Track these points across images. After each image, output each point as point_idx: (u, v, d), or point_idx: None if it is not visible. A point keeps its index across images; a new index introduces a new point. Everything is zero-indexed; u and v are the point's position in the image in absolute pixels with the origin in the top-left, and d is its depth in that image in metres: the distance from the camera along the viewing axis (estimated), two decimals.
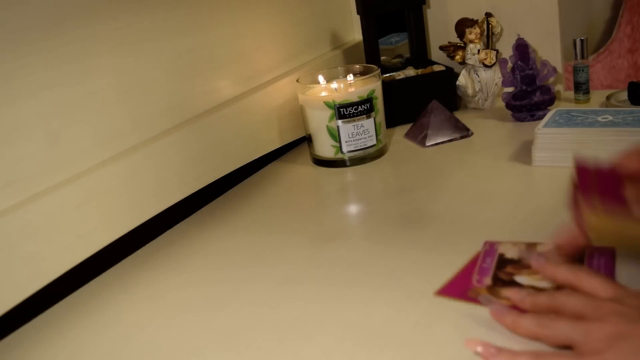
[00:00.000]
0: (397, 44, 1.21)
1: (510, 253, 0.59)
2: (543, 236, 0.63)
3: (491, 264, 0.58)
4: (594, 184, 0.51)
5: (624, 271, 0.54)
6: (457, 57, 1.05)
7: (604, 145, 0.75)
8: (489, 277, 0.55)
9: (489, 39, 1.03)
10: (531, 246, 0.60)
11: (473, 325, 0.51)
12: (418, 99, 1.01)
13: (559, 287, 0.52)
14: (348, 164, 0.90)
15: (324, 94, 0.90)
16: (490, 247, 0.61)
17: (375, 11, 1.04)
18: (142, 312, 0.61)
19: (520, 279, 0.55)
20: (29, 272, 0.59)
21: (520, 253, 0.59)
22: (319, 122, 0.89)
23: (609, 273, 0.54)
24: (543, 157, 0.79)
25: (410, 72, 1.06)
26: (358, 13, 1.08)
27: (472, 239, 0.64)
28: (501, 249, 0.60)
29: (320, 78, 0.93)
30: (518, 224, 0.66)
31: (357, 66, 0.95)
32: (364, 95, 0.87)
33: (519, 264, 0.57)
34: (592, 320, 0.43)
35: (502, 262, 0.58)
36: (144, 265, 0.70)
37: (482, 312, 0.52)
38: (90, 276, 0.69)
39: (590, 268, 0.55)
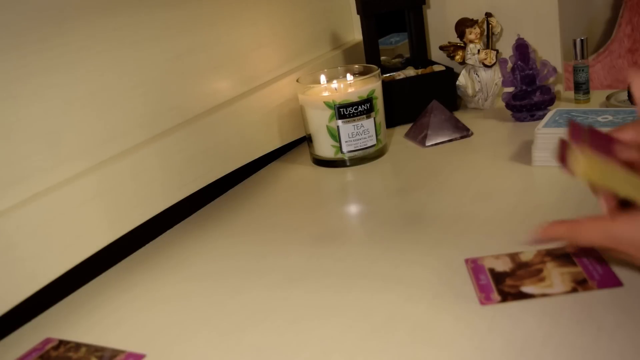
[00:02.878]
0: (397, 44, 1.22)
1: (500, 266, 0.58)
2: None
3: (487, 280, 0.57)
4: (586, 137, 0.51)
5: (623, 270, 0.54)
6: (457, 57, 1.05)
7: None
8: (495, 293, 0.54)
9: (489, 39, 1.03)
10: (514, 256, 0.60)
11: (473, 325, 0.51)
12: (418, 99, 1.01)
13: (573, 288, 0.53)
14: (348, 164, 0.90)
15: (324, 94, 0.90)
16: (474, 264, 0.60)
17: (375, 11, 1.04)
18: (142, 312, 0.61)
19: (528, 289, 0.54)
20: (29, 272, 0.59)
21: (509, 265, 0.58)
22: (319, 122, 0.89)
23: (605, 270, 0.55)
24: (543, 157, 0.79)
25: (410, 72, 1.06)
26: (358, 13, 1.08)
27: (472, 239, 0.64)
28: (487, 264, 0.59)
29: (321, 78, 0.93)
30: (518, 224, 0.66)
31: (357, 66, 0.96)
32: (364, 95, 0.87)
33: (516, 276, 0.56)
34: None
35: (497, 276, 0.57)
36: (144, 266, 0.70)
37: (482, 312, 0.52)
38: (90, 276, 0.69)
39: (585, 267, 0.56)
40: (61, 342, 0.57)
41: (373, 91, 0.88)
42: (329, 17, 1.12)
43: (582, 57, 0.97)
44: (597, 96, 1.01)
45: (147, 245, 0.75)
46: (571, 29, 1.14)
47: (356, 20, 1.15)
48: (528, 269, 0.57)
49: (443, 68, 1.05)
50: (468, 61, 1.03)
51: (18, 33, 0.60)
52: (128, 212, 0.70)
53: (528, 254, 0.59)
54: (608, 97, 0.98)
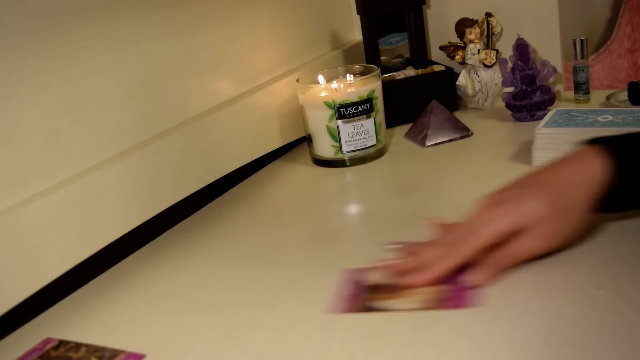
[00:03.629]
0: (397, 44, 1.22)
1: (374, 278, 0.60)
2: None
3: (354, 290, 0.59)
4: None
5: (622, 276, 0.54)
6: (457, 57, 1.05)
7: None
8: (348, 304, 0.57)
9: (489, 39, 1.03)
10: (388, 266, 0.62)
11: (472, 326, 0.51)
12: (418, 99, 1.01)
13: (425, 307, 0.55)
14: (348, 164, 0.90)
15: (324, 94, 0.90)
16: (355, 273, 0.62)
17: (375, 11, 1.04)
18: (141, 312, 0.61)
19: (381, 304, 0.56)
20: (29, 272, 0.59)
21: (383, 277, 0.60)
22: (319, 122, 0.89)
23: (465, 292, 0.56)
24: (543, 157, 0.79)
25: (410, 72, 1.06)
26: (358, 13, 1.08)
27: None
28: (364, 276, 0.61)
29: (320, 78, 0.93)
30: None
31: (357, 66, 0.95)
32: (364, 95, 0.87)
33: (383, 289, 0.58)
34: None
35: (367, 288, 0.59)
36: (143, 266, 0.70)
37: (481, 313, 0.52)
38: (91, 276, 0.69)
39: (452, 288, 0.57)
40: (61, 342, 0.57)
41: (373, 91, 0.88)
42: (329, 17, 1.12)
43: (582, 57, 0.97)
44: (597, 96, 1.01)
45: (147, 245, 0.75)
46: (571, 29, 1.14)
47: (356, 20, 1.15)
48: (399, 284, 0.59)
49: (443, 68, 1.05)
50: (468, 61, 1.03)
51: (18, 33, 0.60)
52: (128, 212, 0.70)
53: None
54: (608, 97, 0.98)
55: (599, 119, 0.79)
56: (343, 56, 1.11)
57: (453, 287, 0.56)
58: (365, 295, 0.58)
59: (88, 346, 0.56)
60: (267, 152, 0.92)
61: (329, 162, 0.91)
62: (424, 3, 1.07)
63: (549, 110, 0.94)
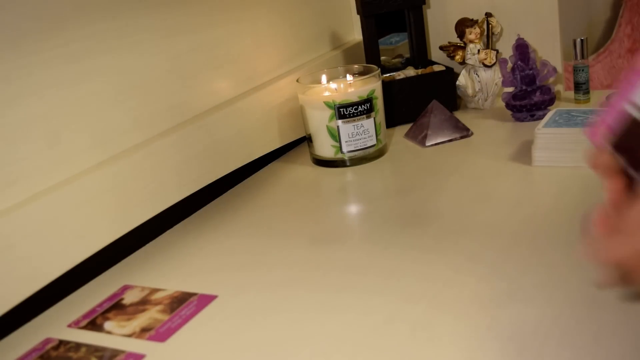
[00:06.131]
0: (397, 44, 1.21)
1: (130, 298, 0.62)
2: (543, 237, 0.63)
3: (104, 307, 0.61)
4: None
5: None
6: (457, 57, 1.05)
7: None
8: (87, 320, 0.59)
9: (489, 39, 1.03)
10: (153, 291, 0.63)
11: (472, 326, 0.51)
12: (418, 99, 1.01)
13: (132, 334, 0.57)
14: (348, 164, 0.90)
15: (324, 94, 0.90)
16: (121, 290, 0.64)
17: (375, 11, 1.04)
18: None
19: (108, 324, 0.58)
20: (29, 272, 0.59)
21: (143, 295, 0.63)
22: (319, 122, 0.89)
23: (170, 327, 0.57)
24: (543, 157, 0.79)
25: (410, 72, 1.06)
26: (358, 13, 1.08)
27: (472, 239, 0.64)
28: (126, 294, 0.63)
29: (321, 78, 0.93)
30: (518, 224, 0.66)
31: (357, 66, 0.95)
32: (364, 95, 0.87)
33: (124, 310, 0.60)
34: None
35: (114, 306, 0.62)
36: (143, 266, 0.70)
37: (481, 313, 0.52)
38: (90, 276, 0.69)
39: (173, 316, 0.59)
40: (61, 342, 0.57)
41: (373, 91, 0.88)
42: (329, 17, 1.12)
43: (582, 57, 0.97)
44: (597, 96, 1.02)
45: (147, 245, 0.75)
46: (571, 29, 1.14)
47: (356, 20, 1.15)
48: (137, 307, 0.60)
49: (443, 68, 1.05)
50: (468, 61, 1.03)
51: (18, 33, 0.60)
52: (128, 212, 0.70)
53: (162, 292, 0.63)
54: (608, 97, 0.98)
55: None
56: (343, 56, 1.11)
57: (170, 319, 0.58)
58: (105, 312, 0.60)
59: (88, 346, 0.56)
60: (267, 152, 0.92)
61: (329, 162, 0.91)
62: (424, 3, 1.07)
63: (549, 110, 0.94)
